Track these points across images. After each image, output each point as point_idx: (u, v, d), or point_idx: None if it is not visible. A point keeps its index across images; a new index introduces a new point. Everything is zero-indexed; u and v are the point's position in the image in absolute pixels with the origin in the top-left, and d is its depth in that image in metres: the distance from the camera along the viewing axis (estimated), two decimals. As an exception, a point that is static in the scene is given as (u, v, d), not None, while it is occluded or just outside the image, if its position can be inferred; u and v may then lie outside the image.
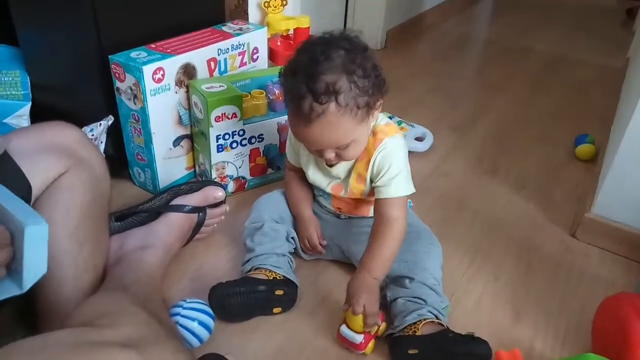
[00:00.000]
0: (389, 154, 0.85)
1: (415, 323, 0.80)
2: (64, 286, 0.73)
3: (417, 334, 0.79)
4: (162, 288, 0.87)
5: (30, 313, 0.76)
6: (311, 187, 1.01)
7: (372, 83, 0.77)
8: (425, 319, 0.80)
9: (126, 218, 0.95)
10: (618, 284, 1.01)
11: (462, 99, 1.83)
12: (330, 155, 0.81)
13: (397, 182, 0.85)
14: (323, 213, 1.01)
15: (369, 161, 0.86)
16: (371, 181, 0.88)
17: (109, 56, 1.04)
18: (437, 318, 0.81)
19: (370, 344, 0.82)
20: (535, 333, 0.89)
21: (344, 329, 0.81)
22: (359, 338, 0.80)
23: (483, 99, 1.84)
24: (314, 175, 0.94)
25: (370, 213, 0.98)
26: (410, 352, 0.78)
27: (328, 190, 0.94)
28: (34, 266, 0.60)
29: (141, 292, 0.75)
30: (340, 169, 0.90)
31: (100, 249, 0.81)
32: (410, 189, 0.87)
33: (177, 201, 0.98)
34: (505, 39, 2.50)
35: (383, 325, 0.83)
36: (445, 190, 1.28)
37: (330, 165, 0.90)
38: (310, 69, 0.73)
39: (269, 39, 1.38)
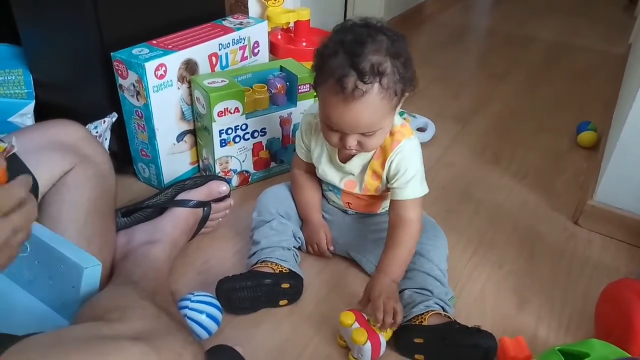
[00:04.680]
0: (405, 156, 0.85)
1: (422, 314, 0.81)
2: (73, 282, 0.74)
3: (423, 324, 0.80)
4: (169, 282, 0.88)
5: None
6: (320, 189, 1.01)
7: (409, 73, 0.77)
8: (432, 311, 0.81)
9: (132, 214, 0.96)
10: (621, 271, 1.02)
11: (464, 88, 1.83)
12: (353, 142, 0.79)
13: (413, 184, 0.86)
14: (330, 211, 1.01)
15: (385, 161, 0.86)
16: (387, 180, 0.89)
17: (111, 53, 1.04)
18: (444, 310, 0.82)
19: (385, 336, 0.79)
20: (539, 320, 0.90)
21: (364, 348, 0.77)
22: (383, 349, 0.78)
23: (485, 88, 1.84)
24: (327, 171, 0.94)
25: (379, 209, 0.98)
26: (416, 341, 0.79)
27: (341, 186, 0.94)
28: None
29: (149, 286, 0.76)
30: (354, 164, 0.90)
31: (108, 244, 0.82)
32: (425, 190, 0.88)
33: (182, 196, 0.99)
34: (505, 28, 2.49)
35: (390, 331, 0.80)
36: (448, 181, 1.28)
37: (344, 161, 0.90)
38: (355, 49, 0.72)
39: (269, 33, 1.38)
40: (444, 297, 0.84)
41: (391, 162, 0.86)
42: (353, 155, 0.89)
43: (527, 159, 1.39)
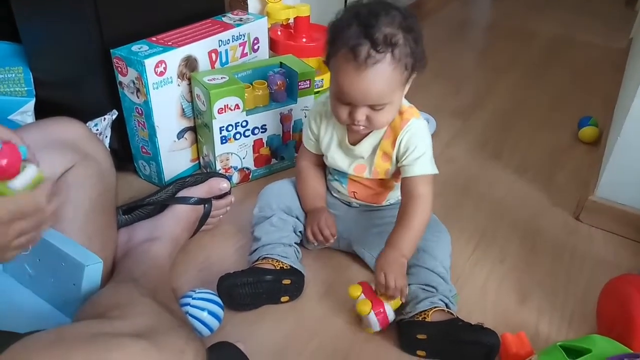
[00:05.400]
0: (415, 134, 0.87)
1: (425, 310, 0.81)
2: (75, 279, 0.75)
3: (427, 320, 0.80)
4: (171, 279, 0.88)
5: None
6: (325, 182, 1.02)
7: (420, 50, 0.80)
8: (436, 307, 0.81)
9: (133, 211, 0.96)
10: (623, 266, 1.02)
11: (465, 83, 1.83)
12: (362, 116, 0.81)
13: (423, 161, 0.87)
14: (333, 205, 1.01)
15: (395, 139, 0.88)
16: (397, 160, 0.90)
17: (111, 50, 1.04)
18: (447, 307, 0.82)
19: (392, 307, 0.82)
20: (540, 315, 0.90)
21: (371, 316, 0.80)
22: (392, 316, 0.81)
23: (486, 83, 1.83)
24: (335, 156, 0.94)
25: (384, 201, 0.98)
26: (419, 337, 0.79)
27: (350, 171, 0.94)
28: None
29: (151, 284, 0.76)
30: (364, 147, 0.91)
31: (109, 242, 0.82)
32: (435, 170, 0.89)
33: (183, 193, 0.99)
34: (506, 22, 2.48)
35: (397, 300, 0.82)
36: (449, 176, 1.28)
37: (354, 144, 0.91)
38: (369, 21, 0.75)
39: (269, 29, 1.37)
40: (447, 294, 0.84)
41: (401, 140, 0.88)
42: (363, 137, 0.90)
43: (528, 154, 1.39)
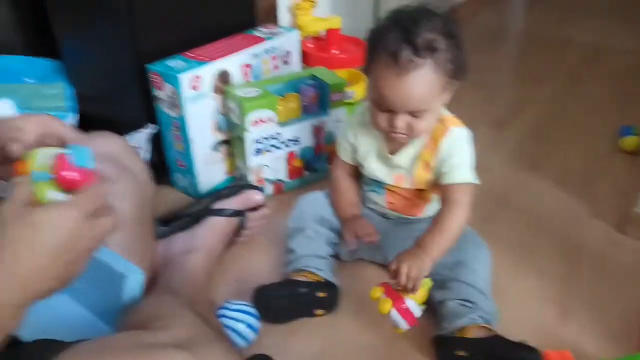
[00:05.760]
0: (455, 141, 0.86)
1: (465, 326, 0.79)
2: (115, 291, 0.76)
3: (467, 336, 0.78)
4: (208, 290, 0.89)
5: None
6: (358, 193, 1.00)
7: (461, 56, 0.80)
8: (476, 324, 0.79)
9: (170, 223, 0.98)
10: (670, 280, 0.97)
11: (500, 93, 1.79)
12: (402, 123, 0.80)
13: (462, 169, 0.85)
14: (368, 216, 0.99)
15: (436, 148, 0.86)
16: (437, 169, 0.87)
17: (147, 66, 1.07)
18: (488, 323, 0.80)
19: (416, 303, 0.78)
20: (583, 332, 0.87)
21: (393, 313, 0.77)
22: (417, 311, 0.77)
23: (522, 92, 1.80)
24: (374, 166, 0.93)
25: (421, 214, 0.96)
26: (459, 353, 0.77)
27: (389, 181, 0.92)
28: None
29: (188, 295, 0.77)
30: (404, 157, 0.89)
31: (147, 253, 0.83)
32: (475, 179, 0.86)
33: (218, 205, 1.00)
34: (540, 30, 2.43)
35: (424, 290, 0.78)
36: (485, 187, 1.23)
37: (394, 154, 0.90)
38: (410, 26, 0.76)
39: (301, 42, 1.39)
40: (488, 310, 0.82)
41: (442, 148, 0.86)
42: (402, 147, 0.88)
43: (567, 164, 1.35)
